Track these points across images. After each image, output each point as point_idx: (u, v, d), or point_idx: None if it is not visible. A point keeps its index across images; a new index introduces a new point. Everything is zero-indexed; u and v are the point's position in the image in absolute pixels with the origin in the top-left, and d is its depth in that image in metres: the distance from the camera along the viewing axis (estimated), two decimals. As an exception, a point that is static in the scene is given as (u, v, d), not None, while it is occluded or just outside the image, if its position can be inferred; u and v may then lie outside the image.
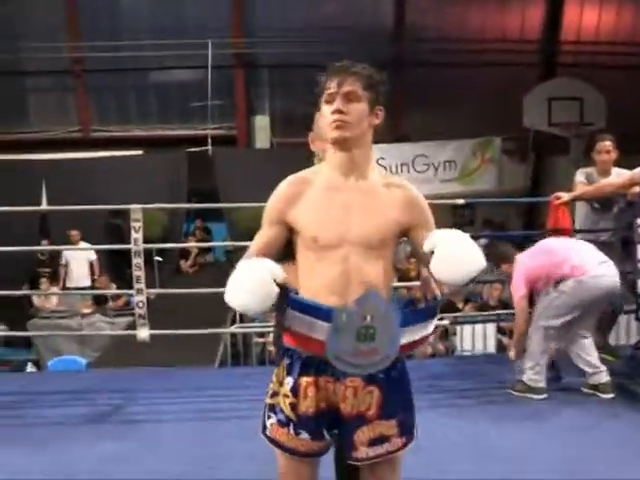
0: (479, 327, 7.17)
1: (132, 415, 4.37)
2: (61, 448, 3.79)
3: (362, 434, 2.04)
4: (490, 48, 12.36)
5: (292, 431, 2.03)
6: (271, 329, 6.16)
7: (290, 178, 2.11)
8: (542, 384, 4.45)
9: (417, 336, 2.08)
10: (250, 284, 1.82)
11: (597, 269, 4.34)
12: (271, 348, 7.19)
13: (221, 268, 13.13)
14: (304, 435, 2.03)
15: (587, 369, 4.48)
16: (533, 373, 4.45)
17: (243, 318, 8.48)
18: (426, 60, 12.31)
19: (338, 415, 2.04)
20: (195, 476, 3.43)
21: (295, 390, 2.02)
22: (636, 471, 3.37)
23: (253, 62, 12.37)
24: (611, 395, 4.43)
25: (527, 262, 4.48)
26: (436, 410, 4.29)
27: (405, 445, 2.11)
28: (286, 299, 1.90)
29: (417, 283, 6.20)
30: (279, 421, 2.05)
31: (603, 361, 4.64)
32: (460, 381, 5.00)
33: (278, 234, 2.08)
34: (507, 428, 4.03)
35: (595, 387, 4.49)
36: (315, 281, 2.01)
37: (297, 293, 2.01)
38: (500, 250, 4.79)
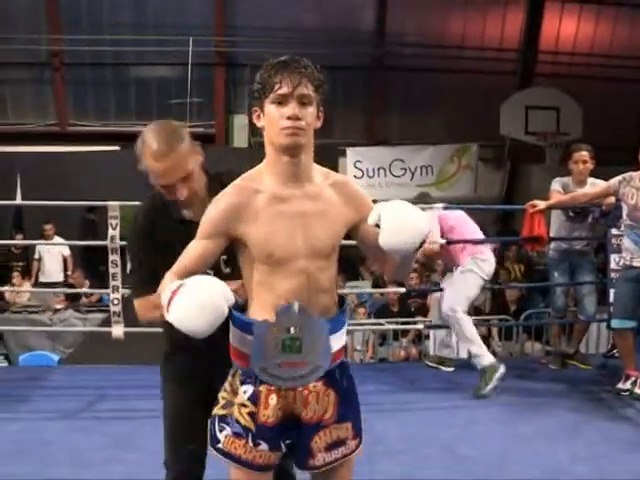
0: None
1: (104, 412, 4.35)
2: (32, 444, 3.76)
3: (319, 440, 1.97)
4: (469, 55, 12.45)
5: (250, 442, 1.92)
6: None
7: (235, 185, 1.94)
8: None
9: (342, 342, 2.03)
10: (202, 310, 1.71)
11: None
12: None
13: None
14: (263, 446, 1.93)
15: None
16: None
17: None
18: (406, 65, 12.37)
19: (296, 423, 1.96)
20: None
21: (255, 399, 1.92)
22: (608, 475, 3.42)
23: (234, 61, 12.35)
24: (451, 369, 5.29)
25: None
26: (410, 413, 4.33)
27: (358, 447, 2.05)
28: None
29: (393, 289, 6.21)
30: (235, 433, 1.93)
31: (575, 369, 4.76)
32: (433, 385, 5.04)
33: (217, 247, 1.93)
34: (479, 432, 4.07)
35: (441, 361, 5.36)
36: (273, 294, 1.90)
37: (240, 306, 1.96)
38: None
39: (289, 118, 1.82)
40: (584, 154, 5.22)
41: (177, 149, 2.23)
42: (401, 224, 1.87)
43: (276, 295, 1.89)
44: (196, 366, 2.32)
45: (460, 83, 12.39)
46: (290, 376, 1.90)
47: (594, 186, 5.16)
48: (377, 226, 1.89)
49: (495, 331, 7.71)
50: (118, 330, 5.02)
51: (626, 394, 4.66)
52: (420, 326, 6.46)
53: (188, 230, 2.00)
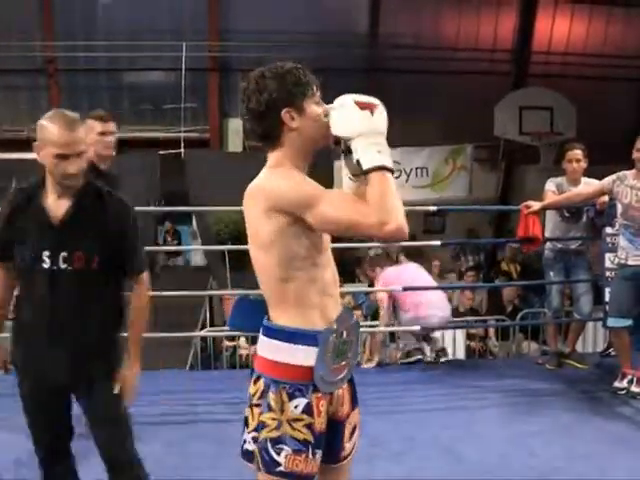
0: (448, 333, 7.22)
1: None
2: (28, 449, 3.75)
3: (346, 431, 2.04)
4: (463, 57, 12.46)
5: (310, 455, 1.91)
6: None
7: (290, 168, 1.93)
8: None
9: None
10: None
11: None
12: (242, 352, 7.19)
13: (191, 272, 13.12)
14: (319, 454, 1.94)
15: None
16: None
17: (214, 322, 8.46)
18: (400, 67, 12.38)
19: (332, 422, 1.99)
20: (167, 478, 3.42)
21: (309, 410, 1.90)
22: (606, 474, 3.43)
23: (227, 65, 12.35)
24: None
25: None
26: (408, 414, 4.33)
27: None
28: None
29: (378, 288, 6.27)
30: (295, 450, 1.90)
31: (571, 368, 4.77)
32: (430, 386, 5.05)
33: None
34: (477, 433, 4.08)
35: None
36: (317, 287, 1.92)
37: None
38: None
39: (326, 116, 1.93)
40: (577, 153, 5.23)
41: (81, 123, 2.47)
42: (349, 112, 1.92)
43: (318, 289, 1.92)
44: (32, 355, 2.49)
45: (454, 84, 12.41)
46: (338, 379, 1.97)
47: (588, 185, 5.17)
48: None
49: (492, 331, 7.72)
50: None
51: (623, 392, 4.67)
52: (416, 328, 6.46)
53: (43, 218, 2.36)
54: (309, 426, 1.91)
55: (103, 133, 3.73)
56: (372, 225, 1.74)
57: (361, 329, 7.29)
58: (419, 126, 12.70)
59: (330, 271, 1.98)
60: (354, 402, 2.09)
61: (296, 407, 1.90)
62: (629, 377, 4.71)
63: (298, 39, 11.41)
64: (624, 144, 4.92)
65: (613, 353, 5.41)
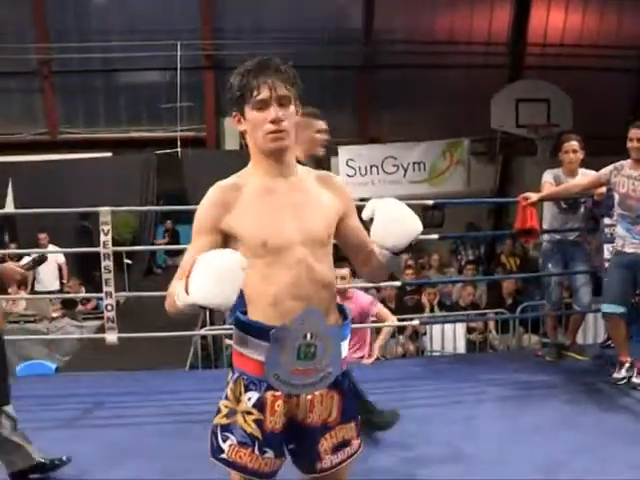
0: (449, 327, 7.23)
1: (102, 419, 4.34)
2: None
3: (326, 442, 1.96)
4: (458, 50, 12.46)
5: (257, 451, 1.88)
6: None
7: (220, 184, 1.93)
8: None
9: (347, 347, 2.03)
10: (222, 280, 1.64)
11: None
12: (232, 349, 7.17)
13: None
14: (269, 454, 1.90)
15: None
16: None
17: (213, 320, 8.44)
18: (395, 62, 12.37)
19: (298, 427, 1.94)
20: (170, 478, 3.42)
21: (261, 405, 1.89)
22: (608, 467, 3.42)
23: (222, 64, 12.33)
24: None
25: None
26: (408, 410, 4.32)
27: (360, 446, 2.05)
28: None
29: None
30: (240, 442, 1.89)
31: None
32: (431, 381, 5.04)
33: (212, 244, 1.86)
34: (477, 427, 4.07)
35: None
36: (272, 288, 1.87)
37: (243, 308, 1.93)
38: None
39: (272, 122, 1.84)
40: (574, 144, 5.23)
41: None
42: (394, 219, 1.91)
43: (276, 289, 1.87)
44: None
45: (450, 78, 12.42)
46: (301, 383, 1.90)
47: (585, 176, 5.17)
48: (370, 222, 1.92)
49: (492, 324, 7.71)
50: (112, 336, 5.02)
51: (622, 382, 4.64)
52: (416, 322, 6.47)
53: None
54: (258, 422, 1.89)
55: (319, 131, 3.56)
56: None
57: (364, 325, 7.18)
58: (415, 121, 12.71)
59: (302, 274, 1.88)
60: (346, 415, 2.00)
61: (249, 399, 1.90)
62: (627, 365, 4.68)
63: (293, 36, 11.40)
64: (621, 135, 4.91)
65: (613, 344, 5.40)
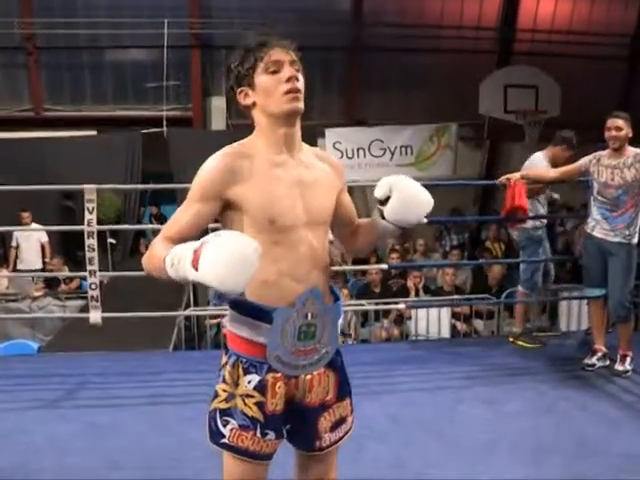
0: (434, 312, 7.23)
1: (84, 400, 4.31)
2: (12, 433, 3.72)
3: (325, 420, 1.99)
4: (448, 34, 12.38)
5: (259, 433, 1.88)
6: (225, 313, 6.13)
7: (226, 151, 1.86)
8: None
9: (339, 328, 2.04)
10: (243, 264, 1.54)
11: None
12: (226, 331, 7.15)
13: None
14: (270, 435, 1.90)
15: None
16: None
17: (198, 301, 8.41)
18: (384, 45, 12.29)
19: (299, 408, 1.94)
20: (153, 459, 3.40)
21: (262, 388, 1.88)
22: (592, 452, 3.44)
23: (210, 42, 12.20)
24: None
25: None
26: (394, 395, 4.33)
27: (352, 423, 2.09)
28: None
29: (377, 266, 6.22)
30: (241, 425, 1.88)
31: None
32: (416, 365, 5.05)
33: (210, 212, 1.82)
34: (463, 412, 4.08)
35: None
36: (274, 268, 1.83)
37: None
38: None
39: (289, 80, 1.83)
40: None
41: None
42: (415, 195, 1.94)
43: (277, 269, 1.84)
44: None
45: (438, 62, 12.34)
46: (302, 364, 1.90)
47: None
48: (385, 200, 1.93)
49: (478, 310, 7.71)
50: (96, 316, 4.97)
51: (590, 369, 4.75)
52: (402, 306, 6.46)
53: None
54: (259, 405, 1.88)
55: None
56: None
57: (348, 308, 7.19)
58: (403, 104, 12.65)
59: (304, 255, 1.87)
60: (341, 393, 2.03)
61: (249, 382, 1.88)
62: (599, 354, 4.82)
63: (281, 16, 11.30)
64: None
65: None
